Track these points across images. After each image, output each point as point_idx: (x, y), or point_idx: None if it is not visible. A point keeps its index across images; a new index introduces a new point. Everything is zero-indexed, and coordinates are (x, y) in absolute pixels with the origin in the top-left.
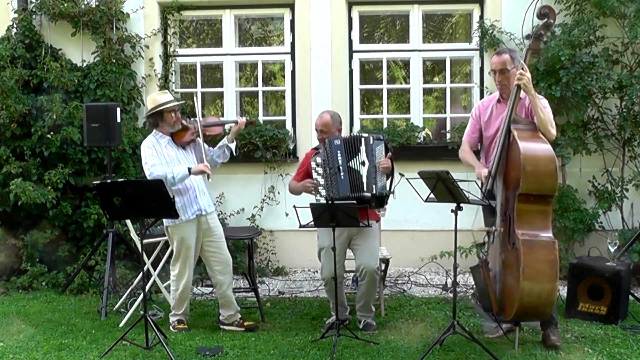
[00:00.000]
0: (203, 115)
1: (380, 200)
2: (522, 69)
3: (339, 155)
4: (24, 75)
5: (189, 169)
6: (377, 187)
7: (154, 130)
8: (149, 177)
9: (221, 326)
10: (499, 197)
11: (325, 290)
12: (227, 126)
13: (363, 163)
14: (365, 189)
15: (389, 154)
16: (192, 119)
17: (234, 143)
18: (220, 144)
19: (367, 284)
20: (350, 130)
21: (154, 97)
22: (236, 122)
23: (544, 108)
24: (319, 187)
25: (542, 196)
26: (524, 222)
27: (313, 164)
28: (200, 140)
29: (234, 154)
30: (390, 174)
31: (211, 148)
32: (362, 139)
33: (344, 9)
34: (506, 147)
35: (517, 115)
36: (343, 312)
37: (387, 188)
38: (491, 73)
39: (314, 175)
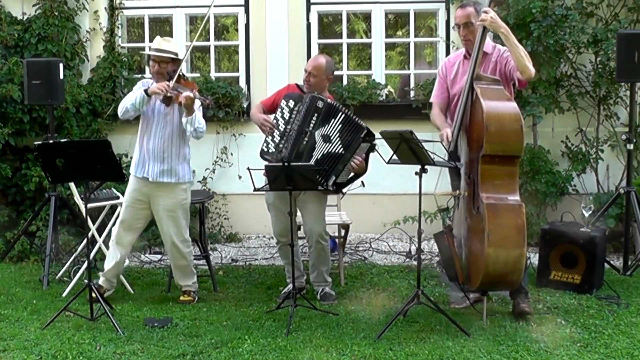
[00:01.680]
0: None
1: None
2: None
3: (314, 118)
4: None
5: (145, 91)
6: (328, 179)
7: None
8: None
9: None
10: (463, 159)
11: (278, 252)
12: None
13: (327, 138)
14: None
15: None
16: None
17: (192, 117)
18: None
19: (315, 250)
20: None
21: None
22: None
23: (517, 44)
24: (275, 132)
25: (508, 157)
26: (488, 185)
27: (283, 102)
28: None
29: (191, 128)
30: (356, 175)
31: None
32: (342, 116)
33: None
34: (469, 105)
35: (482, 72)
36: (299, 278)
37: (340, 186)
38: (455, 27)
39: (278, 115)
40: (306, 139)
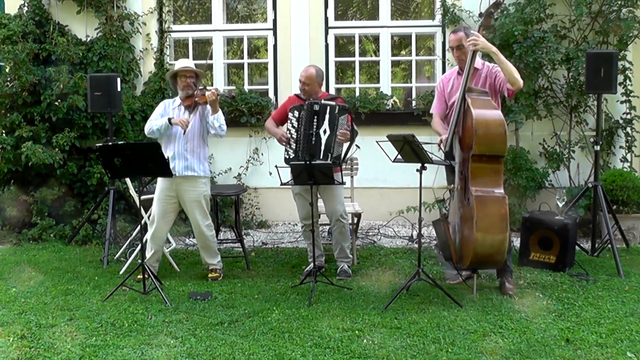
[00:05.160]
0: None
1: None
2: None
3: (315, 120)
4: (34, 48)
5: (169, 119)
6: (332, 156)
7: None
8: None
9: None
10: (457, 158)
11: (302, 234)
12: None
13: (325, 132)
14: (320, 156)
15: (350, 123)
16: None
17: (217, 114)
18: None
19: (338, 227)
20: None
21: (176, 63)
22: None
23: (506, 60)
24: (291, 141)
25: (493, 156)
26: (477, 180)
27: (290, 115)
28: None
29: (218, 123)
30: (349, 141)
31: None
32: (328, 108)
33: None
34: (462, 113)
35: (473, 85)
36: (319, 257)
37: (341, 157)
38: (449, 50)
39: (289, 125)
40: (314, 139)
